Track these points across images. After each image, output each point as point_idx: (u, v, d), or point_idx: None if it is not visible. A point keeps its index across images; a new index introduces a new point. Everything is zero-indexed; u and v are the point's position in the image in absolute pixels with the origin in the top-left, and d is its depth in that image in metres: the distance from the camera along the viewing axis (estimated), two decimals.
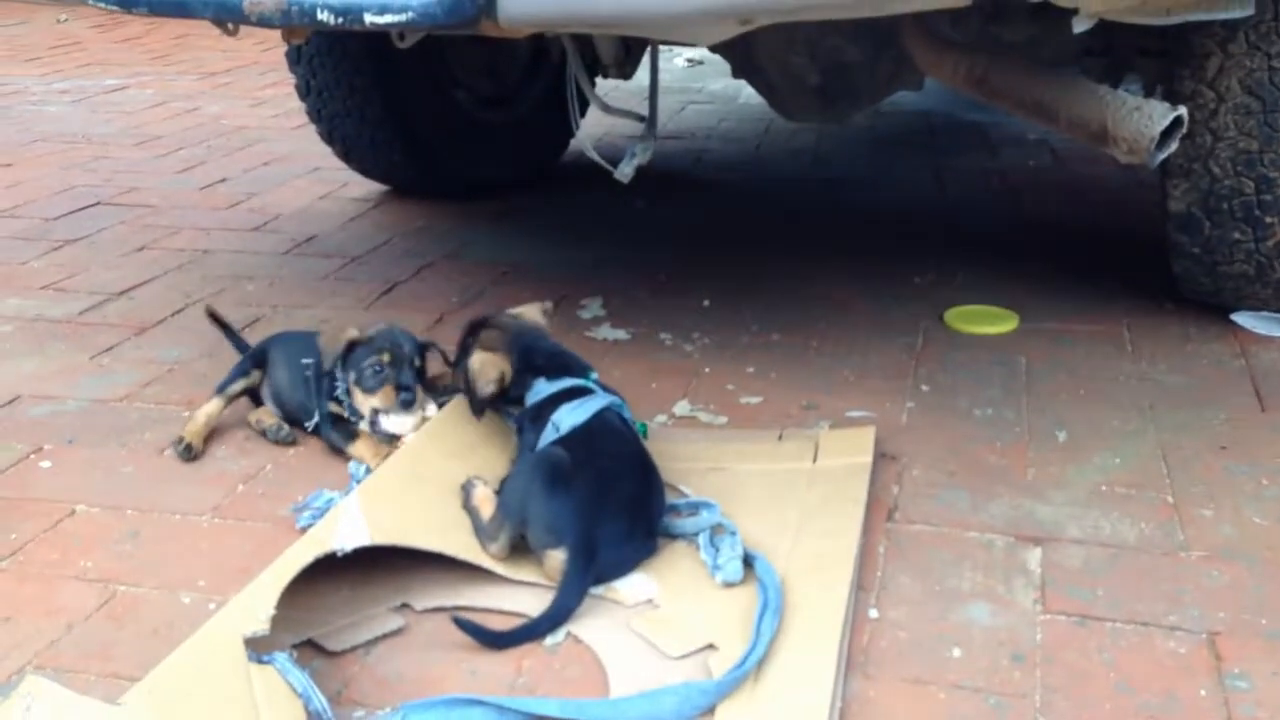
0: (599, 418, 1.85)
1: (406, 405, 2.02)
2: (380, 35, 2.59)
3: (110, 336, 2.61)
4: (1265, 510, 1.84)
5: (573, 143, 3.86)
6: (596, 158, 2.21)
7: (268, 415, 2.18)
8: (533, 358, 1.97)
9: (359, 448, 2.03)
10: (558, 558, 1.65)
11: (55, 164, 4.13)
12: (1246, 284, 2.42)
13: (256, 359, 2.26)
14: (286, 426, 2.15)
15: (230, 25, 2.18)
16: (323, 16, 1.89)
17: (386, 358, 2.04)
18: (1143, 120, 1.98)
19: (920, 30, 2.30)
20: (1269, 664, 1.50)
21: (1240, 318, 2.52)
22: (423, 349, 2.11)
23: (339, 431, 2.08)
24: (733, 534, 1.74)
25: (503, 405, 1.99)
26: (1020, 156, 4.03)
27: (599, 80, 3.62)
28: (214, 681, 1.31)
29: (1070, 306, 2.67)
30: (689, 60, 5.92)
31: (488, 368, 1.94)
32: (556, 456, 1.76)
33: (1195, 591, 1.65)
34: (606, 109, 2.35)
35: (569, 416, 1.85)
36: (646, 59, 2.74)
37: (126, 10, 2.15)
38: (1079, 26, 1.83)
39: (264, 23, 1.97)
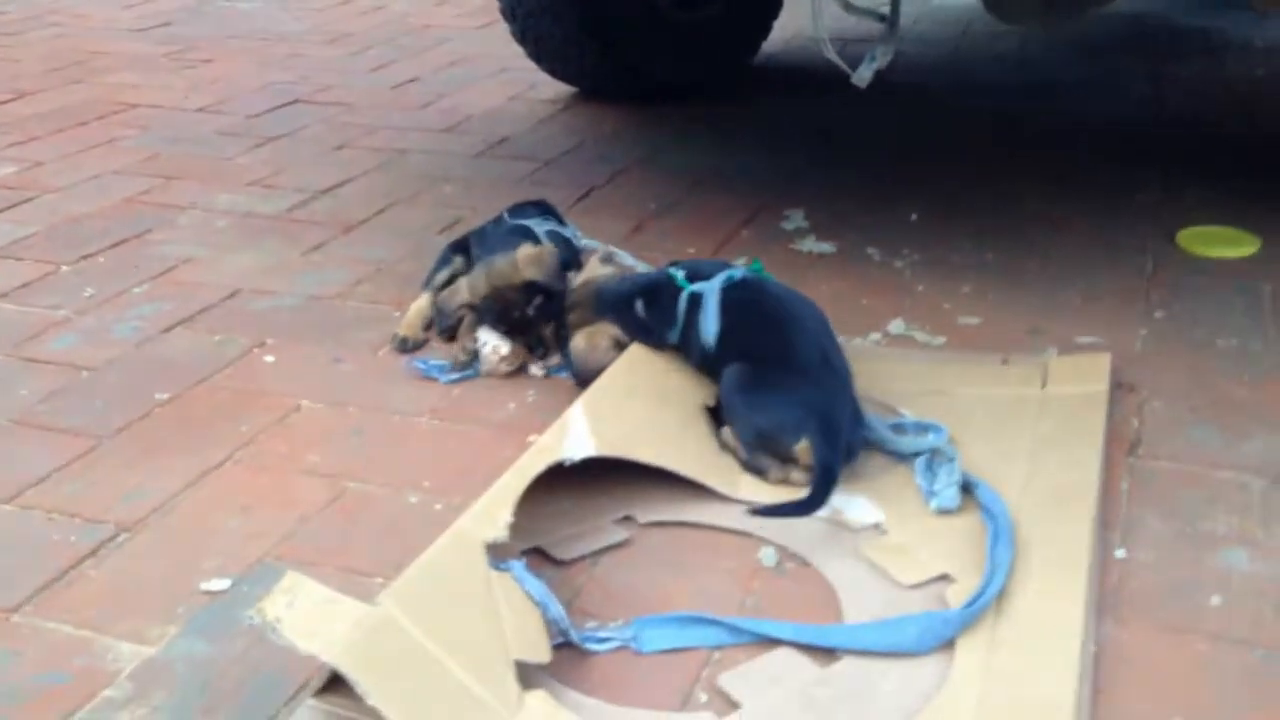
0: (725, 307, 1.80)
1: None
2: None
3: (319, 234, 2.65)
4: None
5: (771, 44, 3.76)
6: (836, 59, 2.10)
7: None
8: (630, 300, 1.89)
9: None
10: (804, 447, 1.63)
11: (253, 61, 4.21)
12: None
13: (458, 247, 2.27)
14: (452, 318, 2.13)
15: None
16: None
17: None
18: None
19: None
20: None
21: None
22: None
23: None
24: (951, 460, 1.67)
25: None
26: (1247, 64, 3.74)
27: None
28: (459, 586, 1.32)
29: None
30: None
31: (599, 339, 1.90)
32: (733, 373, 1.73)
33: None
34: (849, 8, 2.22)
35: (705, 329, 1.80)
36: None
37: None
38: None
39: None
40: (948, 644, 1.37)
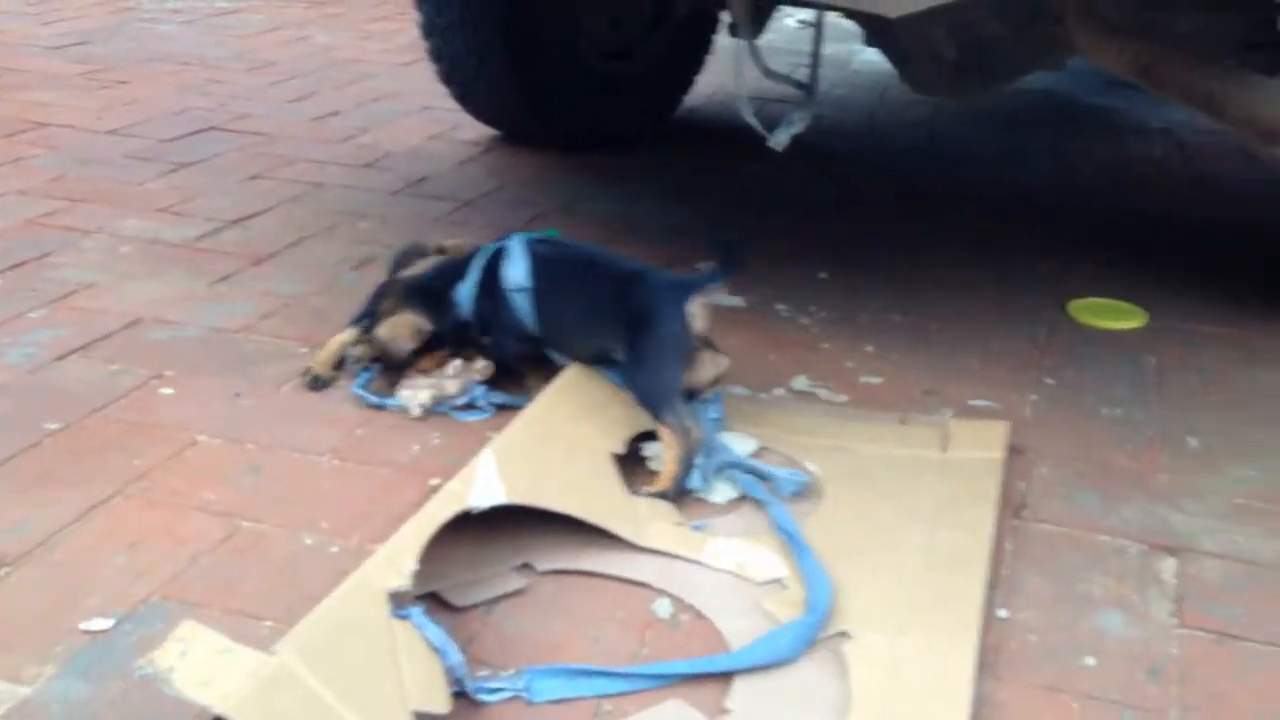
0: (534, 256, 1.96)
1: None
2: None
3: (227, 265, 2.62)
4: None
5: (693, 98, 3.82)
6: (754, 122, 2.15)
7: (368, 348, 2.18)
8: (427, 285, 2.04)
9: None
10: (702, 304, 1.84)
11: (169, 84, 4.16)
12: None
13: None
14: (368, 361, 2.13)
15: None
16: None
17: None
18: None
19: (1085, 13, 2.21)
20: None
21: None
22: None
23: None
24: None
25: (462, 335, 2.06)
26: (1145, 145, 3.90)
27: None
28: (358, 635, 1.31)
29: (1200, 307, 2.58)
30: (800, 22, 5.80)
31: (400, 329, 2.00)
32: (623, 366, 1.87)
33: None
34: (769, 74, 2.29)
35: (513, 275, 1.95)
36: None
37: None
38: None
39: None
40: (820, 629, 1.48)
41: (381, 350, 2.03)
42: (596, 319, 1.90)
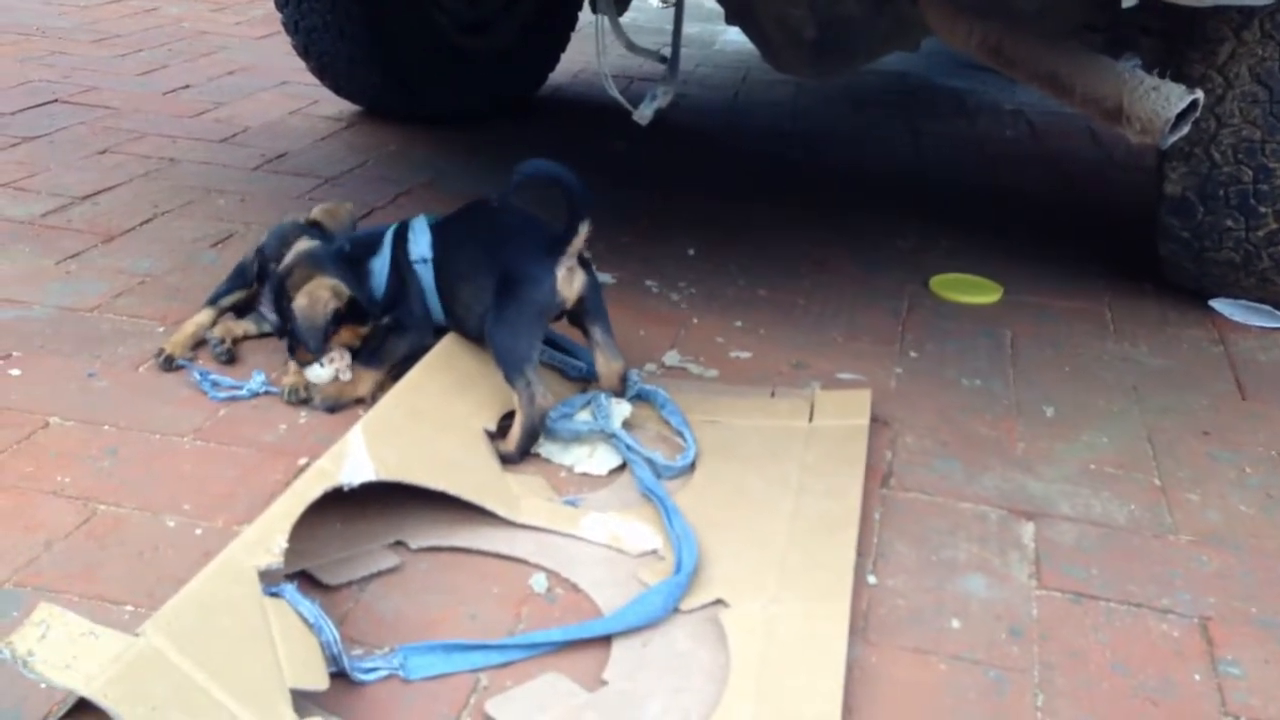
0: (442, 232, 1.98)
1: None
2: None
3: (76, 242, 2.51)
4: (1249, 498, 1.87)
5: (558, 75, 3.80)
6: (618, 96, 2.15)
7: (226, 328, 2.11)
8: (342, 255, 1.99)
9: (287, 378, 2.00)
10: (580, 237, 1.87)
11: (9, 55, 3.95)
12: (1231, 272, 2.44)
13: (257, 270, 2.19)
14: (229, 342, 2.08)
15: None
16: None
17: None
18: (1159, 101, 1.97)
19: None
20: (1260, 651, 1.53)
21: (1219, 304, 2.55)
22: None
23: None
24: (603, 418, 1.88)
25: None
26: (997, 126, 4.03)
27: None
28: (229, 615, 1.27)
29: (1052, 281, 2.68)
30: (662, 1, 5.81)
31: (318, 291, 1.92)
32: (495, 316, 1.85)
33: (1185, 576, 1.67)
34: (631, 47, 2.28)
35: (417, 248, 1.96)
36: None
37: None
38: (1128, 2, 1.81)
39: None
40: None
41: (304, 320, 1.89)
42: (479, 283, 1.89)
